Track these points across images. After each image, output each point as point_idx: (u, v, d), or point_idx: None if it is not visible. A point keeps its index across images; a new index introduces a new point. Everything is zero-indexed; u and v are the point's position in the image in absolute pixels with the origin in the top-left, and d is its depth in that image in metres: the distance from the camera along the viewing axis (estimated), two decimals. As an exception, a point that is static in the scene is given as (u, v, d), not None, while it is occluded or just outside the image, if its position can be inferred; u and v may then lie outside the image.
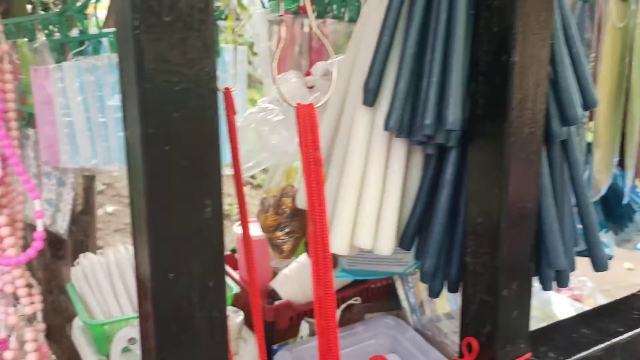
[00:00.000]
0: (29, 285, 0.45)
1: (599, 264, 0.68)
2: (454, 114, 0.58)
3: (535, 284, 0.70)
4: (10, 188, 0.43)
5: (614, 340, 0.74)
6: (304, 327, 1.36)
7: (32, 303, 0.45)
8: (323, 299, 0.50)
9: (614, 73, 0.83)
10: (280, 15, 1.13)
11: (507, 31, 0.57)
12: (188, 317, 0.44)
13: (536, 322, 1.76)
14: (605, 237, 1.48)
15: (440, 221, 0.66)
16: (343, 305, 1.58)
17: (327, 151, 0.70)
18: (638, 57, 0.83)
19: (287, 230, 0.83)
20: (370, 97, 0.63)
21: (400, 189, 0.67)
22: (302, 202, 0.75)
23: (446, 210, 0.66)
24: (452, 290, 0.70)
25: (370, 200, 0.65)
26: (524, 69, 0.58)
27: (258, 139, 0.72)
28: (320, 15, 1.35)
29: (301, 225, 0.84)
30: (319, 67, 0.78)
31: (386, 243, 0.67)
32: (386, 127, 0.61)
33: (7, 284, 0.43)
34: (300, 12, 1.39)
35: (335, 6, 1.31)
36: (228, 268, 1.69)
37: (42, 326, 0.48)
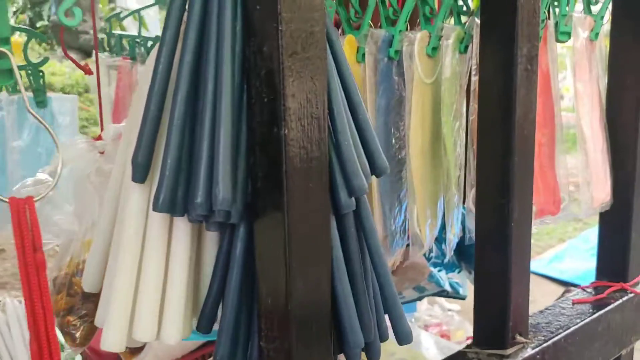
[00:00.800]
0: None
1: (402, 338, 0.65)
2: (223, 192, 0.53)
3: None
4: None
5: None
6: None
7: None
8: None
9: (425, 128, 0.82)
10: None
11: (275, 102, 0.53)
12: None
13: (403, 366, 1.73)
14: (459, 278, 1.50)
15: (233, 302, 0.61)
16: (201, 366, 1.49)
17: (106, 233, 0.63)
18: (447, 112, 0.82)
19: (81, 313, 0.74)
20: (140, 173, 0.56)
21: (186, 270, 0.60)
22: (88, 284, 0.67)
23: (238, 289, 0.61)
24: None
25: (150, 286, 0.59)
26: (295, 142, 0.54)
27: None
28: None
29: (96, 307, 0.75)
30: (110, 130, 0.71)
31: (173, 331, 0.60)
32: (155, 208, 0.55)
33: None
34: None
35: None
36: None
37: None
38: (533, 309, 0.88)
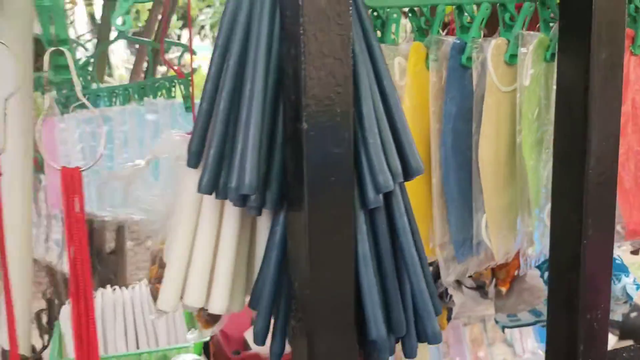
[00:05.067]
0: None
1: (431, 338, 0.66)
2: (249, 178, 0.59)
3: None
4: None
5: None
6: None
7: None
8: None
9: (500, 137, 0.80)
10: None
11: (298, 100, 0.58)
12: None
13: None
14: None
15: (272, 282, 0.67)
16: None
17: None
18: (525, 121, 0.80)
19: (167, 283, 0.85)
20: (193, 159, 0.65)
21: (233, 249, 0.68)
22: (166, 256, 0.77)
23: (276, 272, 0.66)
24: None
25: (199, 260, 0.67)
26: (316, 138, 0.58)
27: (126, 195, 0.76)
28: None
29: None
30: (198, 128, 0.81)
31: (218, 302, 0.68)
32: (198, 189, 0.63)
33: None
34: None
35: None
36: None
37: None
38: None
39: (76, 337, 0.53)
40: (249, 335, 1.56)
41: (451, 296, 1.30)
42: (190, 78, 1.32)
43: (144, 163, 0.80)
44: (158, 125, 1.47)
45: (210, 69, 0.64)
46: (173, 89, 1.46)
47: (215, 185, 0.63)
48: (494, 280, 1.34)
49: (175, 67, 1.34)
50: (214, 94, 0.64)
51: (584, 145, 0.73)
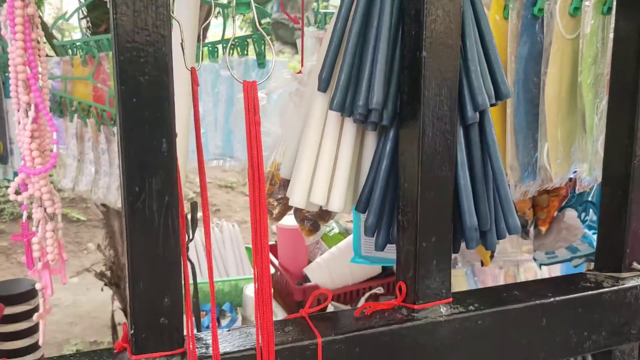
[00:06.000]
0: (51, 192, 0.67)
1: (511, 229, 0.82)
2: (377, 96, 0.75)
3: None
4: (41, 126, 0.65)
5: (539, 301, 0.86)
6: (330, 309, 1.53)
7: (52, 205, 0.67)
8: (259, 251, 0.69)
9: (563, 77, 0.95)
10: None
11: (419, 33, 0.74)
12: (150, 222, 0.64)
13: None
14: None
15: (381, 185, 0.83)
16: (367, 294, 1.74)
17: (298, 132, 0.89)
18: (585, 64, 0.95)
19: (278, 197, 1.02)
20: (323, 85, 0.81)
21: (349, 159, 0.84)
22: (284, 171, 0.94)
23: (386, 177, 0.82)
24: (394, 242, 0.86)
25: (324, 167, 0.83)
26: (432, 64, 0.74)
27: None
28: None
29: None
30: (307, 67, 0.97)
31: (337, 202, 0.84)
32: (331, 107, 0.79)
33: (36, 190, 0.65)
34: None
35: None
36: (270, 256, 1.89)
37: (60, 225, 0.69)
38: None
39: (255, 248, 0.69)
40: (307, 271, 1.73)
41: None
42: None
43: (264, 95, 0.96)
44: (232, 81, 1.63)
45: (340, 11, 0.80)
46: (246, 47, 1.62)
47: (343, 104, 0.79)
48: (535, 220, 1.50)
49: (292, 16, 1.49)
50: (342, 32, 0.80)
51: (636, 82, 0.88)
